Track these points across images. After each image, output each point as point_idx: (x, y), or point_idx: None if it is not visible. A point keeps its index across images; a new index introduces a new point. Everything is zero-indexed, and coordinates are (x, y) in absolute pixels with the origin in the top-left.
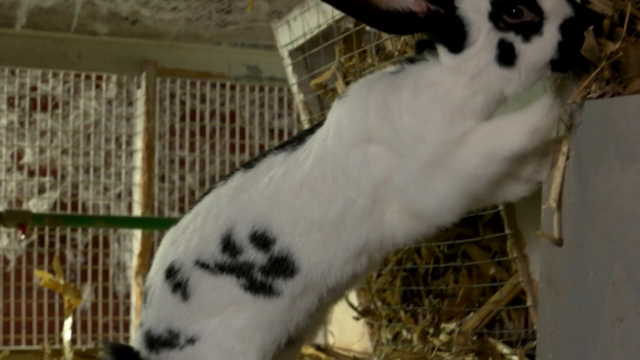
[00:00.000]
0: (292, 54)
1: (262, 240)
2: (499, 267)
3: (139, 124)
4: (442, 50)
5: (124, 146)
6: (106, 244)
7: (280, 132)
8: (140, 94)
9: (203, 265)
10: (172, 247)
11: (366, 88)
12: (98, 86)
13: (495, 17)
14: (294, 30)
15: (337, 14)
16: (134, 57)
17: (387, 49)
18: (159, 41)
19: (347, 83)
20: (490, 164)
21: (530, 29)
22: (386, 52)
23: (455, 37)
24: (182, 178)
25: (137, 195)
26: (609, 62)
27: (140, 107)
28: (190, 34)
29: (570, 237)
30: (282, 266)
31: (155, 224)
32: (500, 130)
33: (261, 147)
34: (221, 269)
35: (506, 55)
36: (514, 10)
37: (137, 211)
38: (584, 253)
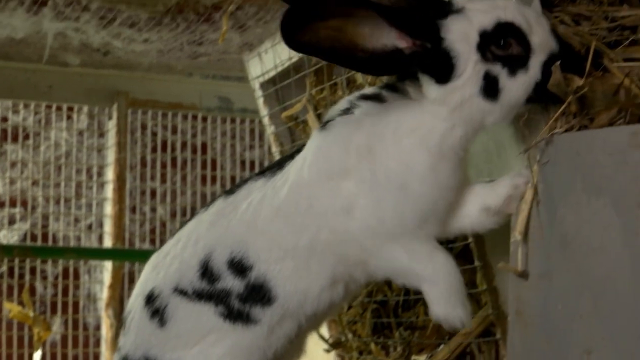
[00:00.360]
0: (263, 86)
1: (239, 267)
2: (469, 299)
3: (110, 155)
4: (426, 81)
5: (95, 177)
6: (76, 276)
7: (252, 163)
8: (111, 125)
9: (181, 292)
10: (153, 272)
11: (349, 127)
12: (69, 117)
13: (483, 48)
14: (265, 63)
15: None
16: (106, 88)
17: (358, 82)
18: (131, 72)
19: (318, 115)
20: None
21: (517, 63)
22: (357, 85)
23: (442, 69)
24: (153, 209)
25: (108, 227)
26: (575, 96)
27: (111, 138)
28: (161, 65)
29: (539, 270)
30: (259, 294)
31: (126, 256)
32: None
33: (232, 178)
34: (199, 296)
35: (491, 88)
36: (502, 42)
37: (107, 243)
38: (552, 285)
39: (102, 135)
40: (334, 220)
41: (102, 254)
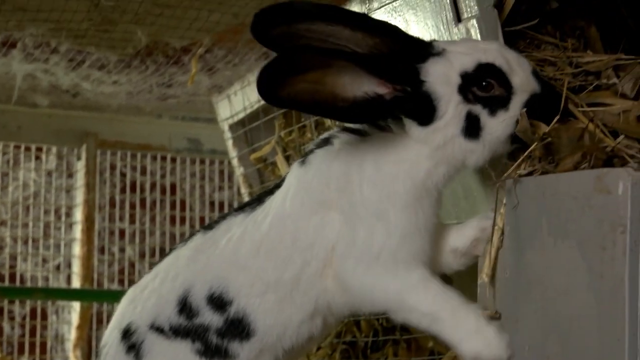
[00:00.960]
0: (232, 127)
1: (218, 302)
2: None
3: (79, 196)
4: (408, 123)
5: (63, 218)
6: (44, 316)
7: (221, 204)
8: (80, 166)
9: (158, 329)
10: (130, 306)
11: (328, 158)
12: (38, 158)
13: (464, 90)
14: (234, 105)
15: None
16: (75, 129)
17: (327, 124)
18: (100, 113)
19: (287, 157)
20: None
21: (498, 104)
22: (325, 127)
23: (423, 111)
24: (122, 250)
25: (76, 267)
26: (541, 144)
27: (80, 179)
28: (131, 106)
29: (506, 311)
30: (238, 328)
31: (94, 297)
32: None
33: (202, 219)
34: (176, 332)
35: (472, 128)
36: (483, 84)
37: (76, 283)
38: (519, 327)
39: (70, 175)
40: (320, 253)
41: (70, 294)
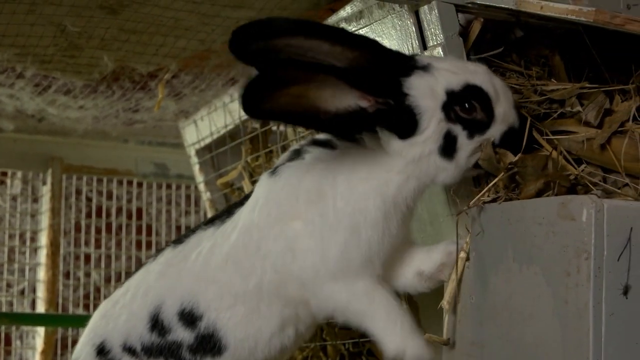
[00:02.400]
0: (199, 152)
1: (189, 318)
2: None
3: (44, 221)
4: (386, 135)
5: (28, 242)
6: (8, 342)
7: (187, 229)
8: (45, 191)
9: (130, 350)
10: (102, 321)
11: (299, 172)
12: (3, 182)
13: (448, 108)
14: (201, 130)
15: (244, 114)
16: (40, 153)
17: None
18: (66, 138)
19: (254, 182)
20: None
21: (477, 128)
22: None
23: (404, 124)
24: (88, 275)
25: (41, 292)
26: (507, 174)
27: (45, 204)
28: (97, 131)
29: (472, 337)
30: (209, 344)
31: (59, 321)
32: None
33: (167, 244)
34: (149, 353)
35: (448, 148)
36: (466, 105)
37: (40, 308)
38: (485, 353)
39: (36, 200)
40: (277, 261)
41: (34, 319)
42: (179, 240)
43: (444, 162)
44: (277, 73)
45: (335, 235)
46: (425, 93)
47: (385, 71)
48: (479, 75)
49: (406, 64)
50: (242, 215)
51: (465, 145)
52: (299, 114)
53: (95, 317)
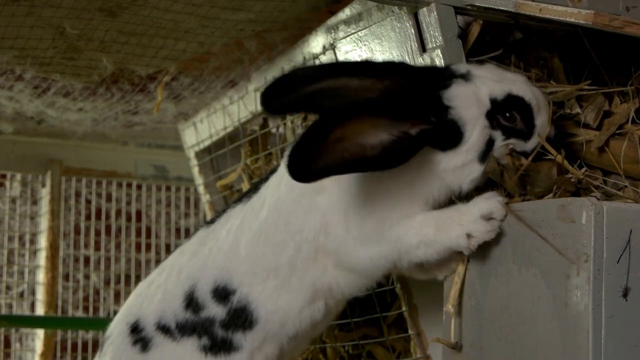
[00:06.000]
0: (198, 155)
1: (222, 293)
2: None
3: (43, 223)
4: (427, 150)
5: (27, 245)
6: (7, 344)
7: (187, 231)
8: (45, 193)
9: (164, 328)
10: (137, 300)
11: None
12: (2, 185)
13: (491, 116)
14: (200, 132)
15: (243, 116)
16: (39, 156)
17: None
18: (65, 140)
19: None
20: (430, 250)
21: (517, 137)
22: None
23: (448, 138)
24: (87, 277)
25: (41, 294)
26: (517, 176)
27: (44, 206)
28: (96, 134)
29: (471, 339)
30: (241, 317)
31: (58, 324)
32: (451, 225)
33: (167, 246)
34: (183, 330)
35: (486, 153)
36: (508, 115)
37: (40, 310)
38: (484, 355)
39: (35, 202)
40: (309, 237)
41: (34, 321)
42: (211, 221)
43: (480, 168)
44: (319, 130)
45: (355, 210)
46: (469, 101)
47: (421, 90)
48: (519, 84)
49: (443, 75)
50: (269, 191)
51: (501, 149)
52: (346, 159)
53: (132, 297)
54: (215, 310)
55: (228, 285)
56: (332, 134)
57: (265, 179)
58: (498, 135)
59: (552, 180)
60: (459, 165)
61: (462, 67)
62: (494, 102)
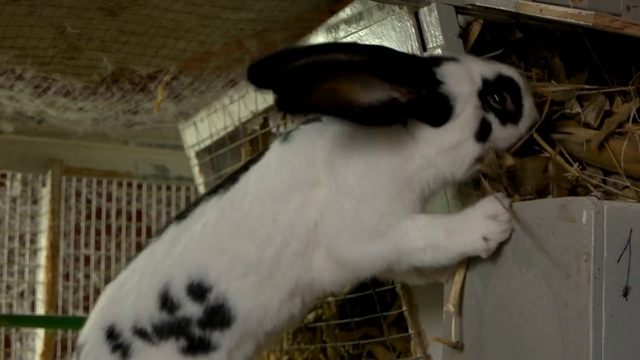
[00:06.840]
0: (198, 154)
1: (198, 290)
2: None
3: (44, 222)
4: (414, 124)
5: (27, 244)
6: (8, 344)
7: None
8: (45, 193)
9: (141, 332)
10: (108, 304)
11: (313, 135)
12: (2, 184)
13: (483, 96)
14: (200, 132)
15: (244, 116)
16: (40, 155)
17: None
18: (65, 140)
19: None
20: (439, 255)
21: (509, 117)
22: None
23: (438, 112)
24: (87, 276)
25: (41, 294)
26: (505, 173)
27: (45, 206)
28: (97, 133)
29: (472, 339)
30: (218, 316)
31: (58, 323)
32: (462, 229)
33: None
34: (160, 332)
35: (484, 133)
36: (497, 96)
37: (40, 310)
38: (485, 355)
39: (35, 202)
40: (302, 233)
41: (34, 321)
42: (181, 216)
43: (478, 148)
44: (309, 76)
45: (351, 203)
46: (461, 79)
47: (414, 64)
48: (508, 67)
49: (433, 58)
50: (251, 182)
51: (499, 132)
52: (333, 106)
53: (102, 300)
54: (191, 309)
55: (204, 282)
56: (325, 83)
57: (244, 168)
58: (493, 119)
59: (541, 175)
60: (454, 144)
61: (448, 54)
62: (485, 81)
